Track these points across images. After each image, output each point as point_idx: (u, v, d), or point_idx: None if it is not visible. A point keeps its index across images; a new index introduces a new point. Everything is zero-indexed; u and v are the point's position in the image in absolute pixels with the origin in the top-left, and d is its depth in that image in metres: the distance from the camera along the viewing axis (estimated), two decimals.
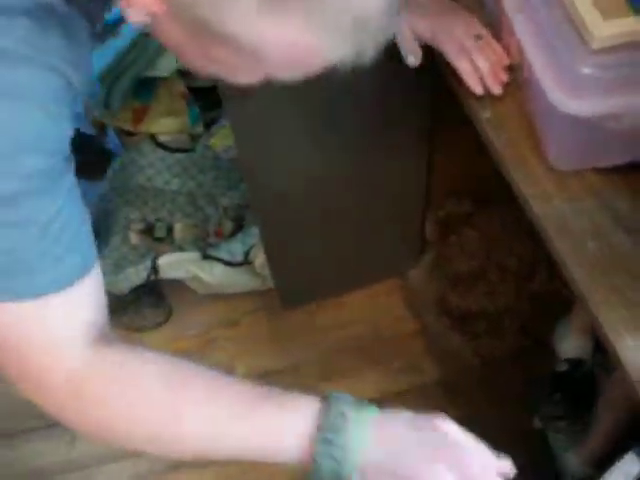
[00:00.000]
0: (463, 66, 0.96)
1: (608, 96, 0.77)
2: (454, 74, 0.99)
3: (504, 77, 0.96)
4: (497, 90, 0.95)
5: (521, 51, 0.85)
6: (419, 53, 1.00)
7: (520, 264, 1.67)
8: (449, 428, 0.67)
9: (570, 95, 0.78)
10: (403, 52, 1.00)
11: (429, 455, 0.65)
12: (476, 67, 0.95)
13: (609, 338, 0.79)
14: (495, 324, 1.61)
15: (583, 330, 1.33)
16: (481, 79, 0.96)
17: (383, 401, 1.74)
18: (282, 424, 0.65)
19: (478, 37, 0.97)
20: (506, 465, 0.67)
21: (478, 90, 0.95)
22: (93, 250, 0.66)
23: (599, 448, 1.25)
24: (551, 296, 1.60)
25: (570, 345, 1.37)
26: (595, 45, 0.75)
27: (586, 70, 0.76)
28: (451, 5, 1.00)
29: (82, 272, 0.63)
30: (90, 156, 2.01)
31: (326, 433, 0.63)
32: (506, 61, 0.96)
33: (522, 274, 1.63)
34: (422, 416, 0.68)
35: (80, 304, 0.64)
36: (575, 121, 0.80)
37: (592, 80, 0.76)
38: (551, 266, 1.52)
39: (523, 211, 0.92)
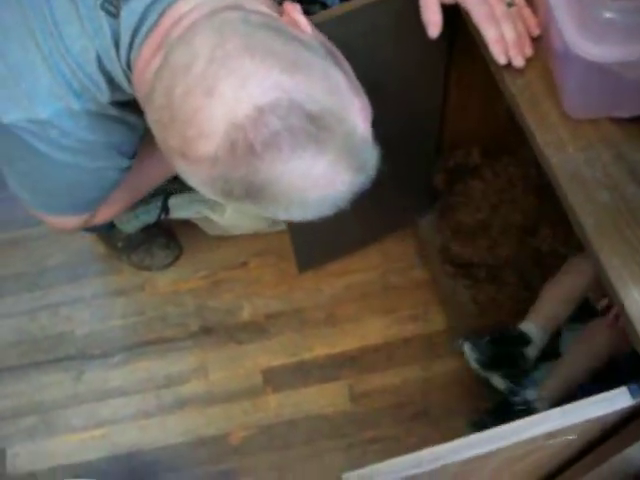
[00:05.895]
0: (489, 34, 0.93)
1: (630, 42, 0.74)
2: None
3: (529, 51, 0.92)
4: (519, 63, 0.92)
5: None
6: (439, 24, 0.97)
7: (524, 220, 1.66)
8: None
9: (590, 40, 0.75)
10: (424, 20, 0.98)
11: None
12: (503, 36, 0.92)
13: (616, 290, 0.78)
14: (495, 275, 1.62)
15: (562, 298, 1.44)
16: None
17: (388, 348, 1.75)
18: None
19: (510, 4, 0.93)
20: None
21: (501, 60, 0.92)
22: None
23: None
24: (552, 255, 1.60)
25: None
26: None
27: (608, 14, 0.73)
28: None
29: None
30: None
31: None
32: (536, 32, 0.93)
33: (525, 230, 1.62)
34: None
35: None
36: (594, 67, 0.77)
37: (614, 25, 0.74)
38: (555, 225, 1.53)
39: (531, 167, 0.90)
